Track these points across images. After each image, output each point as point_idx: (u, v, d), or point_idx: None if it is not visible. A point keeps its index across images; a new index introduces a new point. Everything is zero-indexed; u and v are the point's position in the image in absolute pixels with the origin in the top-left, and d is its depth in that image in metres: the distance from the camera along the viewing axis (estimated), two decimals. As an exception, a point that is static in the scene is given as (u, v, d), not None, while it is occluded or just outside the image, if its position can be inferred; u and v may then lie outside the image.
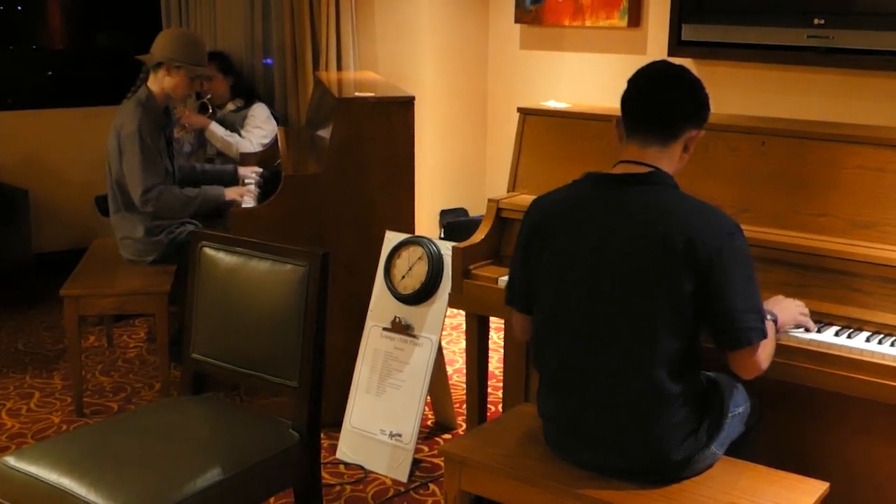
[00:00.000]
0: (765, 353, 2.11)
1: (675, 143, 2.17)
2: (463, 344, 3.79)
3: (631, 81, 2.21)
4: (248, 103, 4.98)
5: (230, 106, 5.00)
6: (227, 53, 5.12)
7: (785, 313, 2.30)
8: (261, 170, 4.33)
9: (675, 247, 2.01)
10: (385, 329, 3.33)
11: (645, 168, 2.14)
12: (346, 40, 5.03)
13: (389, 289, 3.32)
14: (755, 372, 2.12)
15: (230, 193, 3.99)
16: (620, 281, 2.08)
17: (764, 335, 2.08)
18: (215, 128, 4.73)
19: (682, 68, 2.21)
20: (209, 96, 4.89)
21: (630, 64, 2.27)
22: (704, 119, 2.20)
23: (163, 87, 3.86)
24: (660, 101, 2.16)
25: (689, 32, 4.12)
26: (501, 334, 3.82)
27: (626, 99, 2.20)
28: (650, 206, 2.09)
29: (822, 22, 3.64)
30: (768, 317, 2.15)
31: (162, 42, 3.87)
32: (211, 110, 4.86)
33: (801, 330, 2.33)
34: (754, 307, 2.06)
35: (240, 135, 4.81)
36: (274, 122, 4.92)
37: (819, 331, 2.33)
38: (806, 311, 2.35)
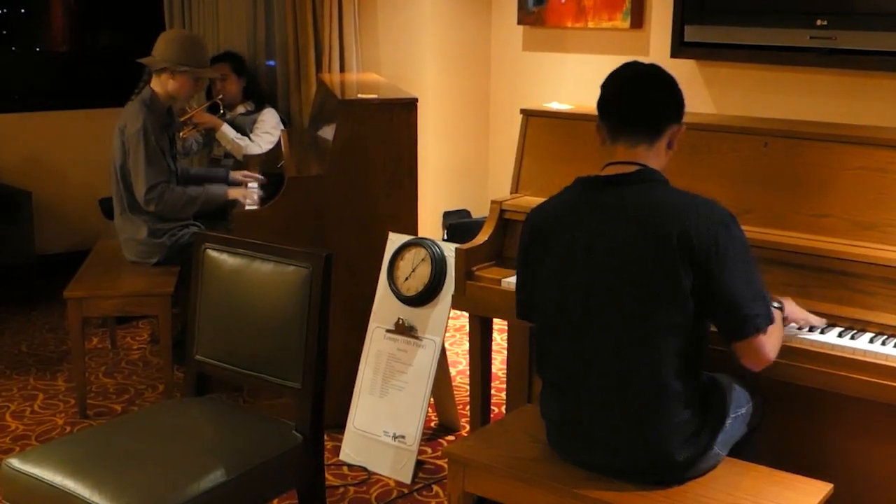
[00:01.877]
0: (772, 342, 2.09)
1: (661, 140, 2.19)
2: (466, 345, 3.78)
3: (607, 86, 2.22)
4: (259, 107, 4.98)
5: (240, 109, 4.99)
6: (241, 55, 5.13)
7: (792, 306, 2.31)
8: (256, 175, 4.32)
9: (671, 242, 2.01)
10: (388, 330, 3.33)
11: (634, 167, 2.15)
12: (349, 42, 5.04)
13: (393, 290, 3.32)
14: (764, 362, 2.10)
15: (233, 193, 4.00)
16: (617, 283, 2.08)
17: (770, 320, 2.07)
18: (227, 130, 4.73)
19: (655, 66, 2.23)
20: (221, 96, 4.88)
21: (633, 65, 2.27)
22: (683, 114, 2.23)
23: (167, 90, 3.87)
24: (643, 101, 2.18)
25: (691, 33, 4.11)
26: (505, 336, 3.81)
27: (606, 102, 2.22)
28: (642, 204, 2.09)
29: (825, 23, 3.63)
30: (774, 304, 2.15)
31: (163, 45, 3.86)
32: (221, 111, 4.85)
33: (807, 329, 2.32)
34: (757, 294, 2.05)
35: (249, 138, 4.81)
36: (282, 128, 4.92)
37: (822, 332, 2.33)
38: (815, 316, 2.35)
